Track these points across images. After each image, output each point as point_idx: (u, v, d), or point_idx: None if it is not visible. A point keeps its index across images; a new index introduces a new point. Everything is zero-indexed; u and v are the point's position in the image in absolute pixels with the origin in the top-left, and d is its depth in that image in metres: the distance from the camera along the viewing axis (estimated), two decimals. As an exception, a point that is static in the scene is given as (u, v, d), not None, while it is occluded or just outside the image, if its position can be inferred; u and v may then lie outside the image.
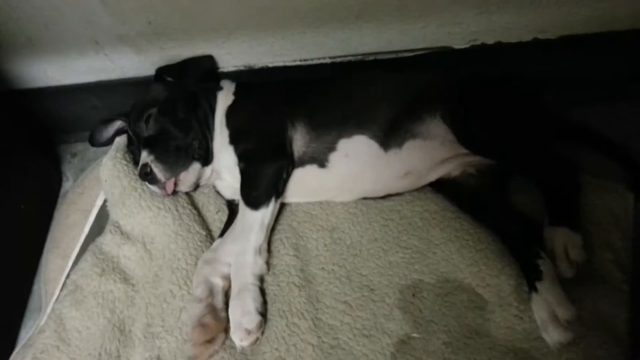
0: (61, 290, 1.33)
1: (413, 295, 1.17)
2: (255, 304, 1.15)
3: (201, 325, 1.12)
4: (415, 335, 1.12)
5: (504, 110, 1.25)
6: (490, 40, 1.35)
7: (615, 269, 1.12)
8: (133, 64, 1.48)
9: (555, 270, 1.09)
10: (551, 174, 1.17)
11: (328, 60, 1.43)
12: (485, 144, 1.21)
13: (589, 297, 1.10)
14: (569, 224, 1.11)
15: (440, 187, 1.31)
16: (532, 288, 1.09)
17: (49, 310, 1.33)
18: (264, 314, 1.17)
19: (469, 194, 1.27)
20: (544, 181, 1.17)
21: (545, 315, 1.05)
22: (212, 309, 1.15)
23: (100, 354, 1.19)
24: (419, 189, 1.32)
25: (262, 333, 1.15)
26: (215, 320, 1.14)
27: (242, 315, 1.13)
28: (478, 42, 1.36)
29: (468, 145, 1.21)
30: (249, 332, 1.11)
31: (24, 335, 1.42)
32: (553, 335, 1.03)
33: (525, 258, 1.13)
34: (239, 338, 1.11)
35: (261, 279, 1.23)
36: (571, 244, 1.09)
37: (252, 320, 1.12)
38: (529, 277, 1.10)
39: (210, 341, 1.12)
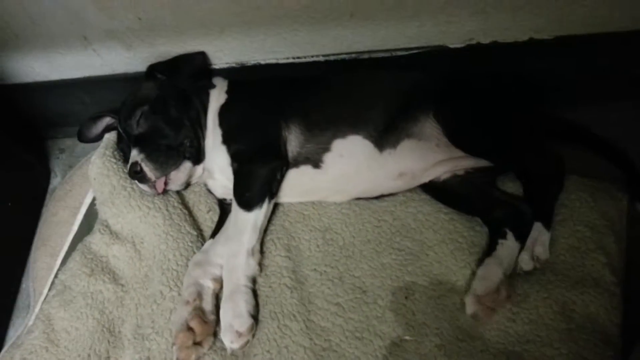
0: (49, 290, 1.31)
1: (406, 297, 1.17)
2: (248, 306, 1.14)
3: (187, 328, 1.11)
4: (407, 337, 1.12)
5: (492, 108, 1.25)
6: (485, 40, 1.34)
7: (608, 272, 1.12)
8: (122, 60, 1.45)
9: (509, 257, 1.13)
10: (536, 170, 1.18)
11: (322, 58, 1.41)
12: (473, 141, 1.21)
13: (581, 300, 1.10)
14: (543, 221, 1.15)
15: (428, 188, 1.30)
16: (480, 261, 1.16)
17: (37, 309, 1.32)
18: (255, 316, 1.16)
19: (454, 192, 1.27)
20: (529, 176, 1.20)
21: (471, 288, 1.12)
22: (199, 312, 1.14)
23: (89, 355, 1.18)
24: (412, 190, 1.31)
25: (253, 336, 1.14)
26: (203, 324, 1.12)
27: (234, 317, 1.12)
28: (473, 42, 1.35)
29: (457, 143, 1.21)
30: (239, 334, 1.10)
31: (13, 334, 1.40)
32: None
33: (492, 235, 1.19)
34: (229, 340, 1.10)
35: (254, 281, 1.21)
36: (539, 241, 1.13)
37: (243, 323, 1.11)
38: (486, 252, 1.17)
39: (197, 344, 1.11)
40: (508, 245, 1.15)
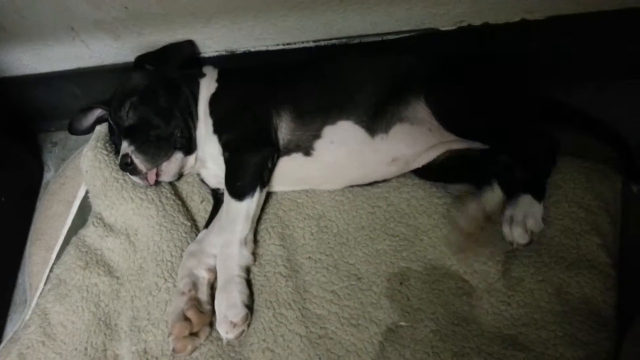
0: (45, 284, 1.31)
1: (400, 283, 1.17)
2: (242, 296, 1.14)
3: (184, 318, 1.11)
4: (403, 323, 1.12)
5: (483, 90, 1.23)
6: (477, 22, 1.32)
7: (603, 254, 1.11)
8: (111, 50, 1.43)
9: (491, 200, 1.13)
10: (529, 150, 1.16)
11: (312, 44, 1.39)
12: (463, 124, 1.19)
13: (575, 282, 1.09)
14: (533, 193, 1.12)
15: (424, 174, 1.29)
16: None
17: (33, 304, 1.32)
18: (250, 306, 1.16)
19: (442, 165, 1.26)
20: (520, 153, 1.17)
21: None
22: (195, 302, 1.14)
23: (86, 349, 1.18)
24: (405, 175, 1.30)
25: (248, 326, 1.14)
26: (199, 314, 1.12)
27: (228, 308, 1.11)
28: (465, 24, 1.33)
29: (448, 127, 1.19)
30: (234, 324, 1.10)
31: (10, 329, 1.41)
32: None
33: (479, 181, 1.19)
34: (224, 331, 1.10)
35: (247, 270, 1.21)
36: (531, 214, 1.10)
37: (237, 313, 1.11)
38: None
39: (194, 334, 1.12)
40: (492, 190, 1.13)
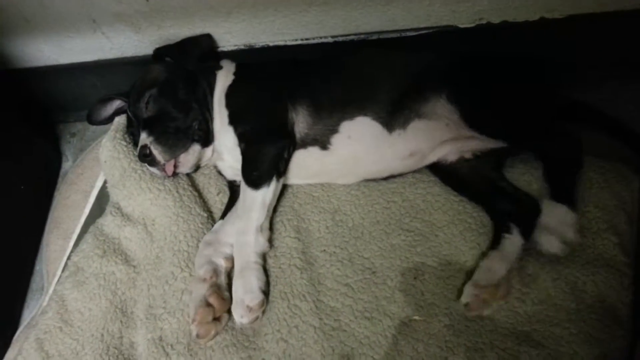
0: (63, 271, 1.33)
1: (415, 277, 1.17)
2: (258, 282, 1.15)
3: (206, 304, 1.12)
4: (416, 317, 1.12)
5: (508, 89, 1.22)
6: (496, 19, 1.32)
7: (619, 253, 1.11)
8: (131, 42, 1.45)
9: (513, 253, 1.12)
10: (555, 149, 1.15)
11: (330, 40, 1.40)
12: (491, 123, 1.19)
13: (591, 280, 1.09)
14: (568, 203, 1.10)
15: (436, 170, 1.29)
16: (485, 254, 1.15)
17: (51, 291, 1.34)
18: (266, 292, 1.17)
19: (461, 177, 1.26)
20: (548, 155, 1.16)
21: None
22: (216, 289, 1.15)
23: (102, 335, 1.20)
24: (421, 171, 1.30)
25: (264, 312, 1.15)
26: (221, 300, 1.14)
27: (245, 292, 1.13)
28: (484, 21, 1.33)
29: (474, 126, 1.18)
30: (250, 309, 1.11)
31: (27, 315, 1.43)
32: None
33: (496, 227, 1.18)
34: (239, 315, 1.11)
35: (264, 257, 1.22)
36: (567, 224, 1.08)
37: (254, 297, 1.12)
38: (491, 245, 1.16)
39: (216, 319, 1.13)
40: (513, 240, 1.13)
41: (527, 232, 1.12)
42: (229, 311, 1.15)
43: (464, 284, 1.13)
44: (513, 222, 1.15)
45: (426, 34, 1.35)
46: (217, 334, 1.14)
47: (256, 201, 1.19)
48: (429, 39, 1.36)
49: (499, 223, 1.18)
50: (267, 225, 1.23)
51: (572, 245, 1.08)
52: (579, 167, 1.16)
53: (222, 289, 1.17)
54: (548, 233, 1.08)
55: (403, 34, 1.37)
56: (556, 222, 1.09)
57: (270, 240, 1.24)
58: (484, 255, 1.16)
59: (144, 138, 1.25)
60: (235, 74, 1.36)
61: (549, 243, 1.08)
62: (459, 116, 1.18)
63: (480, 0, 1.27)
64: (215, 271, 1.18)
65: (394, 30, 1.36)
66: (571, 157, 1.15)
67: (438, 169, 1.29)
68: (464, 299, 1.09)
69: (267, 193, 1.20)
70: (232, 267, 1.20)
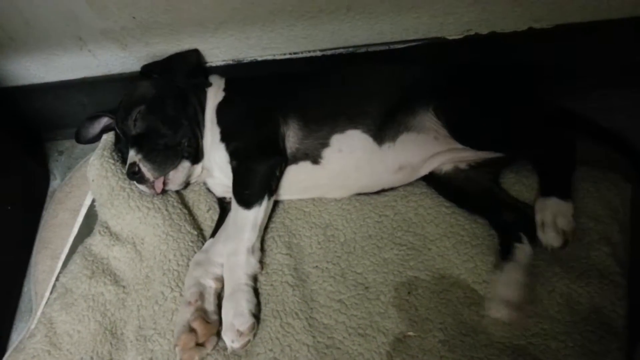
0: (51, 293, 1.31)
1: (408, 292, 1.16)
2: (249, 305, 1.13)
3: (189, 330, 1.11)
4: (411, 333, 1.11)
5: (495, 100, 1.22)
6: (484, 31, 1.32)
7: (612, 263, 1.11)
8: (118, 59, 1.44)
9: (526, 260, 1.10)
10: (548, 153, 1.15)
11: (319, 53, 1.39)
12: (477, 137, 1.18)
13: (586, 292, 1.08)
14: (558, 194, 1.11)
15: (431, 181, 1.29)
16: (497, 266, 1.12)
17: (39, 313, 1.31)
18: (257, 315, 1.15)
19: (459, 188, 1.25)
20: (539, 157, 1.17)
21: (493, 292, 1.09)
22: (201, 313, 1.13)
23: (92, 358, 1.18)
24: (413, 184, 1.30)
25: (255, 335, 1.13)
26: (205, 324, 1.12)
27: (235, 316, 1.11)
28: (472, 33, 1.33)
29: (461, 140, 1.18)
30: (240, 333, 1.09)
31: (16, 338, 1.40)
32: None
33: (504, 238, 1.16)
34: (230, 339, 1.09)
35: (255, 279, 1.21)
36: (560, 213, 1.09)
37: (244, 322, 1.10)
38: (501, 256, 1.13)
39: (200, 345, 1.11)
40: (524, 248, 1.12)
41: (533, 238, 1.12)
42: (218, 334, 1.13)
43: (457, 298, 1.12)
44: (521, 231, 1.14)
45: (415, 46, 1.35)
46: (202, 358, 1.12)
47: (248, 221, 1.18)
48: (418, 51, 1.36)
49: (507, 233, 1.16)
50: (258, 245, 1.21)
51: (566, 233, 1.08)
52: (571, 166, 1.16)
53: (209, 312, 1.15)
54: (544, 227, 1.09)
55: (391, 47, 1.37)
56: (549, 214, 1.09)
57: (261, 261, 1.22)
58: (495, 268, 1.13)
59: (133, 155, 1.24)
60: (225, 90, 1.35)
61: (545, 237, 1.09)
62: (446, 130, 1.18)
63: (468, 12, 1.28)
64: (202, 294, 1.17)
65: (382, 42, 1.36)
66: (563, 157, 1.15)
67: (433, 180, 1.28)
68: (498, 314, 1.06)
69: (259, 212, 1.19)
70: (223, 287, 1.18)
